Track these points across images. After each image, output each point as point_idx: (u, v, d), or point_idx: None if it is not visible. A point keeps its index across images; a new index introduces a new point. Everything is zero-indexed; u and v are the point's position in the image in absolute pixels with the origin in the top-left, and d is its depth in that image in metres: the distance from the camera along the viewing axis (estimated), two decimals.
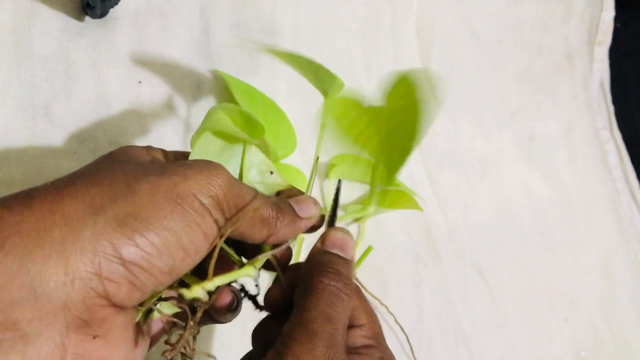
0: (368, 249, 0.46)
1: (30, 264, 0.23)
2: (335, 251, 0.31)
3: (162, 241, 0.25)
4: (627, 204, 0.64)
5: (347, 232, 0.32)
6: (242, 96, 0.46)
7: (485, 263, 0.54)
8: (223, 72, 0.47)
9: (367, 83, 0.54)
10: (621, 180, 0.65)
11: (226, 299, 0.31)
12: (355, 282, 0.33)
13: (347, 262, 0.31)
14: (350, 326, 0.30)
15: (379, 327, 0.31)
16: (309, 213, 0.32)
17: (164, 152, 0.31)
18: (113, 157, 0.29)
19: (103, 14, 0.44)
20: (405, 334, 0.48)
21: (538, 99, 0.63)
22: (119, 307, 0.25)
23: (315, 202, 0.32)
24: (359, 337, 0.30)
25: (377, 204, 0.45)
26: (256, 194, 0.29)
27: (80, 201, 0.25)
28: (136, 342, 0.27)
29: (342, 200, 0.50)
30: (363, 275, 0.47)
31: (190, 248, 0.26)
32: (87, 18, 0.44)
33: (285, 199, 0.32)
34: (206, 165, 0.27)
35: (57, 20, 0.43)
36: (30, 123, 0.41)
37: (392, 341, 0.48)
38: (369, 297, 0.47)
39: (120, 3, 0.44)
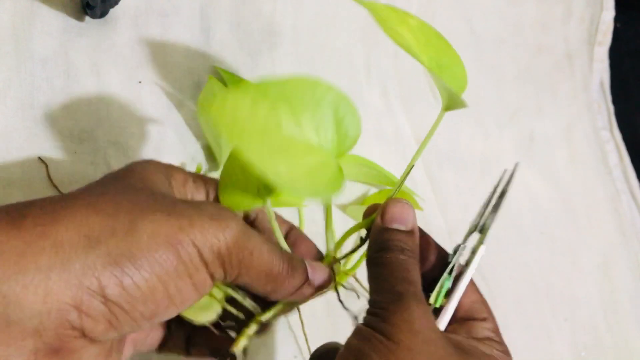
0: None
1: (7, 290, 0.22)
2: (395, 226, 0.30)
3: (149, 287, 0.24)
4: (627, 204, 0.64)
5: (406, 203, 0.31)
6: None
7: (485, 263, 0.54)
8: (220, 68, 0.47)
9: (367, 83, 0.54)
10: (621, 180, 0.65)
11: None
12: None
13: (409, 235, 0.30)
14: (473, 318, 0.31)
15: (497, 323, 0.32)
16: (320, 281, 0.31)
17: (183, 175, 0.30)
18: (128, 179, 0.27)
19: (103, 14, 0.44)
20: None
21: (538, 99, 0.63)
22: (91, 339, 0.24)
23: (330, 274, 0.32)
24: (482, 329, 0.30)
25: None
26: (273, 250, 0.28)
27: (76, 228, 0.23)
28: None
29: (342, 200, 0.50)
30: (363, 275, 0.47)
31: (176, 298, 0.25)
32: (87, 18, 0.44)
33: (302, 260, 0.31)
34: (218, 214, 0.26)
35: (57, 20, 0.43)
36: (30, 123, 0.41)
37: None
38: (367, 295, 0.47)
39: (120, 3, 0.44)
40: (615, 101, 0.67)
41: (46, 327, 0.22)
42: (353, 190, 0.51)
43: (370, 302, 0.28)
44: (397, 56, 0.56)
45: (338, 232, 0.49)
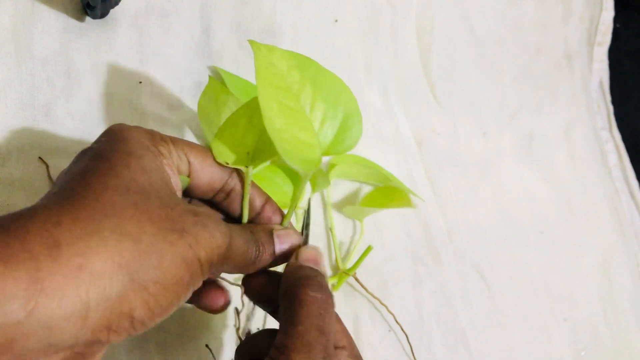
0: (368, 249, 0.46)
1: (51, 322, 0.23)
2: (310, 265, 0.33)
3: (168, 304, 0.27)
4: (627, 204, 0.64)
5: (318, 249, 0.34)
6: (239, 92, 0.46)
7: (485, 263, 0.54)
8: (220, 68, 0.47)
9: (367, 83, 0.54)
10: (620, 181, 0.65)
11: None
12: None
13: (324, 276, 0.33)
14: (335, 347, 0.32)
15: (358, 350, 0.33)
16: (288, 247, 0.34)
17: (167, 147, 0.31)
18: (128, 170, 0.28)
19: (103, 14, 0.44)
20: (405, 334, 0.48)
21: (538, 99, 0.63)
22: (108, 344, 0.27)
23: (298, 236, 0.35)
24: (344, 357, 0.31)
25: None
26: (246, 243, 0.31)
27: (110, 258, 0.25)
28: None
29: (341, 199, 0.50)
30: (363, 275, 0.47)
31: (181, 303, 0.28)
32: (88, 18, 0.44)
33: (271, 232, 0.34)
34: (215, 229, 0.29)
35: (58, 21, 0.43)
36: (30, 123, 0.41)
37: (392, 341, 0.48)
38: (369, 297, 0.47)
39: (120, 3, 0.44)
40: (614, 101, 0.67)
41: (78, 343, 0.25)
42: (352, 190, 0.51)
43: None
44: (396, 56, 0.56)
45: (338, 231, 0.49)
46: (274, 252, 0.33)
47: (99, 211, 0.26)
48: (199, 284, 0.29)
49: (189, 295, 0.29)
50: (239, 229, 0.32)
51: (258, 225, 0.34)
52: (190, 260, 0.27)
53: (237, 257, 0.31)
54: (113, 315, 0.25)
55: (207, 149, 0.34)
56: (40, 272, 0.23)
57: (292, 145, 0.32)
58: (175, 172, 0.31)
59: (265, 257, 0.33)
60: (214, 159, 0.34)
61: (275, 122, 0.31)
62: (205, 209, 0.31)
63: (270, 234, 0.34)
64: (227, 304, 0.34)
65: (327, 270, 0.42)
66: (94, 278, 0.24)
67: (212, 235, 0.28)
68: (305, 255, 0.33)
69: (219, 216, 0.31)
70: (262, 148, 0.34)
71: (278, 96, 0.32)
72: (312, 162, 0.33)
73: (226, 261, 0.30)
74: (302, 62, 0.34)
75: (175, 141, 0.32)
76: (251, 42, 0.32)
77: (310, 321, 0.29)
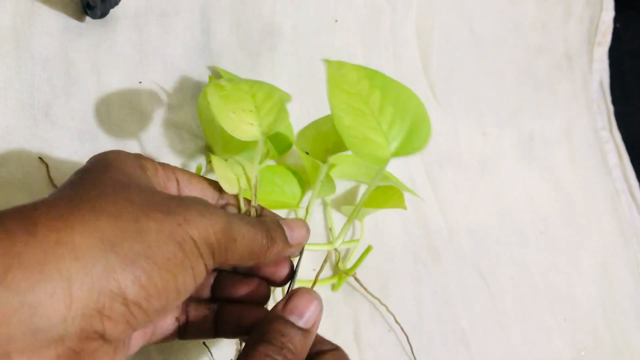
0: (368, 249, 0.46)
1: (34, 300, 0.22)
2: (293, 319, 0.29)
3: (164, 283, 0.25)
4: (627, 204, 0.64)
5: (313, 298, 0.30)
6: None
7: (485, 263, 0.54)
8: (220, 68, 0.47)
9: None
10: (621, 181, 0.65)
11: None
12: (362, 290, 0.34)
13: (304, 333, 0.29)
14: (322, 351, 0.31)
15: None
16: (299, 239, 0.33)
17: (154, 164, 0.32)
18: (109, 173, 0.28)
19: (103, 14, 0.44)
20: (405, 334, 0.48)
21: (538, 99, 0.63)
22: (108, 340, 0.24)
23: (307, 227, 0.34)
24: None
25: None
26: (253, 230, 0.30)
27: (90, 233, 0.24)
28: None
29: (340, 199, 0.50)
30: (363, 275, 0.47)
31: (182, 290, 0.26)
32: (88, 18, 0.44)
33: (279, 222, 0.32)
34: (206, 210, 0.28)
35: (58, 21, 0.43)
36: (30, 123, 0.41)
37: (392, 341, 0.48)
38: (369, 297, 0.47)
39: (120, 3, 0.44)
40: (614, 101, 0.67)
41: (70, 333, 0.23)
42: (352, 190, 0.51)
43: None
44: (396, 56, 0.56)
45: (338, 231, 0.49)
46: (287, 240, 0.32)
47: (76, 198, 0.25)
48: (201, 269, 0.27)
49: (188, 279, 0.26)
50: (244, 217, 0.31)
51: (265, 217, 0.34)
52: (181, 237, 0.26)
53: (243, 244, 0.29)
54: (102, 296, 0.23)
55: (195, 174, 0.34)
56: (16, 246, 0.22)
57: (361, 142, 0.33)
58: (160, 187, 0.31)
59: (279, 246, 0.31)
60: (204, 181, 0.34)
61: (344, 120, 0.33)
62: (195, 197, 0.30)
63: (278, 224, 0.32)
64: (268, 292, 0.33)
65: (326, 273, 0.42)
66: (74, 252, 0.23)
67: (202, 215, 0.27)
68: (292, 304, 0.30)
69: (211, 203, 0.30)
70: (339, 149, 0.36)
71: (348, 99, 0.33)
72: (381, 159, 0.34)
73: (231, 248, 0.28)
74: (371, 74, 0.35)
75: (163, 164, 0.32)
76: (325, 60, 0.34)
77: None
